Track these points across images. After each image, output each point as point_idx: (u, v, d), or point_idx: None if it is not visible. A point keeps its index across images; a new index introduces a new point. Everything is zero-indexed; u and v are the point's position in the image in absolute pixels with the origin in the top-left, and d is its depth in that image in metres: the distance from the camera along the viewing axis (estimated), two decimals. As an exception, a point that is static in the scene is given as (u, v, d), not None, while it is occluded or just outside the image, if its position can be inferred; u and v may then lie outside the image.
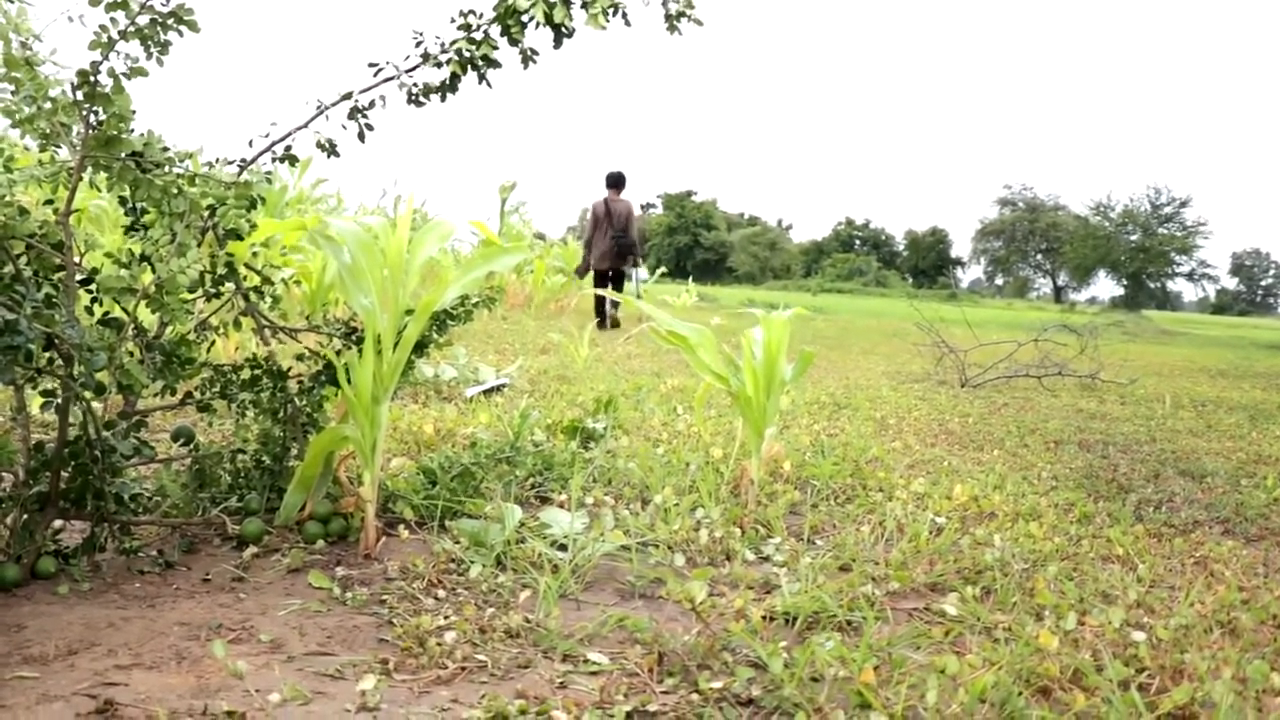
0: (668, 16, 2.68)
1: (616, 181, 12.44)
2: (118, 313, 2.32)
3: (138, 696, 1.62)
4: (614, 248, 12.20)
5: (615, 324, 11.72)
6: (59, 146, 2.23)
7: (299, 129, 2.59)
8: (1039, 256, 78.50)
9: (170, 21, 2.16)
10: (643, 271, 13.39)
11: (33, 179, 2.21)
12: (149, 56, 2.17)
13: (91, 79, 2.10)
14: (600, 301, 12.14)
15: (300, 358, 2.81)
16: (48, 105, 2.17)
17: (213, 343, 2.65)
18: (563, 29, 2.62)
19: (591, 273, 12.57)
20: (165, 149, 2.25)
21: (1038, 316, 24.63)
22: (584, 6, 2.61)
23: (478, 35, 2.64)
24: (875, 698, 1.69)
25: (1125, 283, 56.74)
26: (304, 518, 2.57)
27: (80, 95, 2.12)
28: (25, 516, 2.19)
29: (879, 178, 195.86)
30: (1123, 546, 2.85)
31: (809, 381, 7.16)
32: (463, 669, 1.83)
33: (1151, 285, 57.51)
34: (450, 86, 2.65)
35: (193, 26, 2.20)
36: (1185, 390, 8.62)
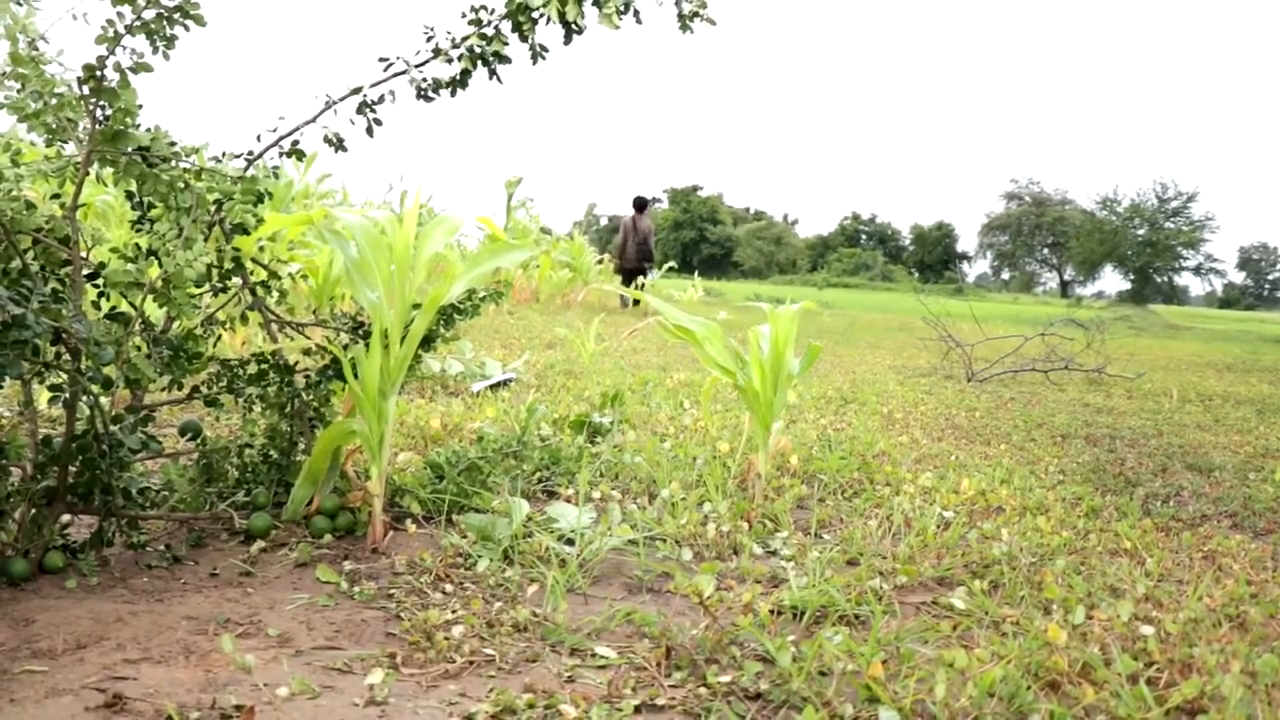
0: (680, 16, 2.67)
1: (641, 205, 16.86)
2: (124, 307, 2.32)
3: (146, 690, 1.63)
4: (638, 253, 16.61)
5: (636, 303, 15.56)
6: (65, 142, 2.23)
7: (307, 124, 2.58)
8: (1045, 251, 78.35)
9: (176, 16, 2.16)
10: (654, 273, 17.78)
11: (39, 174, 2.21)
12: (155, 51, 2.17)
13: (98, 74, 2.10)
14: (627, 287, 15.97)
15: (307, 352, 2.81)
16: (54, 101, 2.17)
17: (219, 337, 2.65)
18: (574, 26, 2.61)
19: (624, 269, 16.91)
20: (172, 144, 2.25)
21: (1044, 311, 24.60)
22: (596, 4, 2.60)
23: (489, 31, 2.63)
24: (883, 691, 1.69)
25: (1132, 277, 56.49)
26: (311, 512, 2.57)
27: (86, 90, 2.12)
28: (33, 511, 2.19)
29: (885, 172, 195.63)
30: (1131, 540, 2.84)
31: (815, 376, 7.15)
32: (470, 663, 1.83)
33: (1158, 280, 57.26)
34: (461, 82, 2.65)
35: (199, 21, 2.20)
36: (1192, 384, 8.60)
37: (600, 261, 18.29)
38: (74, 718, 1.53)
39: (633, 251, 16.71)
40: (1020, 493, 3.41)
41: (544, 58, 2.67)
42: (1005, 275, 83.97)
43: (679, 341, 3.09)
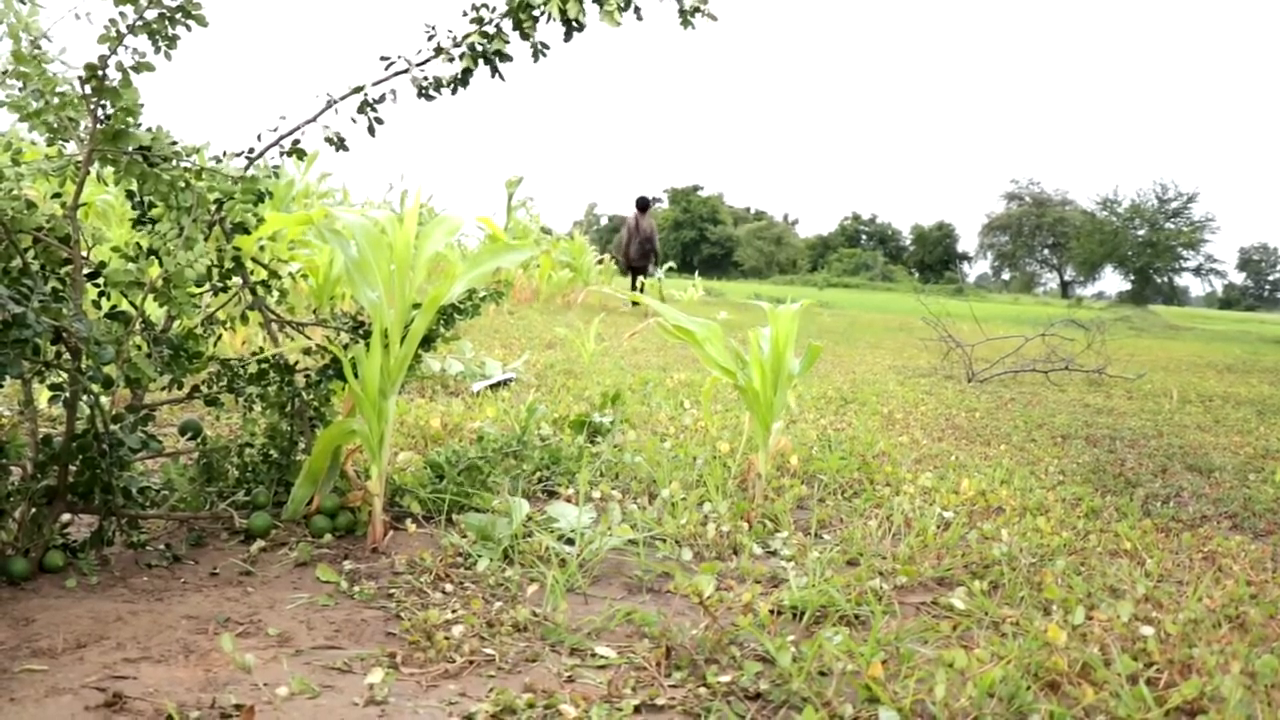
0: (681, 11, 2.67)
1: (644, 205, 17.43)
2: (125, 307, 2.32)
3: (146, 690, 1.63)
4: (640, 251, 17.16)
5: (635, 303, 16.31)
6: (66, 141, 2.23)
7: (307, 123, 2.58)
8: (1046, 251, 78.32)
9: (178, 16, 2.16)
10: (658, 271, 18.43)
11: (40, 173, 2.21)
12: (157, 51, 2.17)
13: (100, 73, 2.10)
14: (632, 286, 17.05)
15: (307, 352, 2.81)
16: (55, 100, 2.17)
17: (219, 337, 2.65)
18: (575, 23, 2.61)
19: (628, 267, 17.70)
20: (173, 143, 2.25)
21: (1044, 311, 24.60)
22: (597, 1, 2.60)
23: (490, 29, 2.63)
24: (883, 691, 1.69)
25: (1132, 278, 56.48)
26: (311, 512, 2.57)
27: (88, 89, 2.12)
28: (33, 510, 2.19)
29: (886, 172, 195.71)
30: (1131, 541, 2.84)
31: (815, 376, 7.16)
32: (470, 663, 1.83)
33: (1158, 280, 57.23)
34: (462, 80, 2.64)
35: (200, 21, 2.20)
36: (1192, 385, 8.59)
37: (600, 261, 18.38)
38: (74, 717, 1.53)
39: (636, 251, 17.25)
40: (1020, 493, 3.41)
41: (545, 55, 2.67)
42: (1005, 275, 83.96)
43: (679, 342, 3.09)
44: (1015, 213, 78.49)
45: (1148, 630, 2.01)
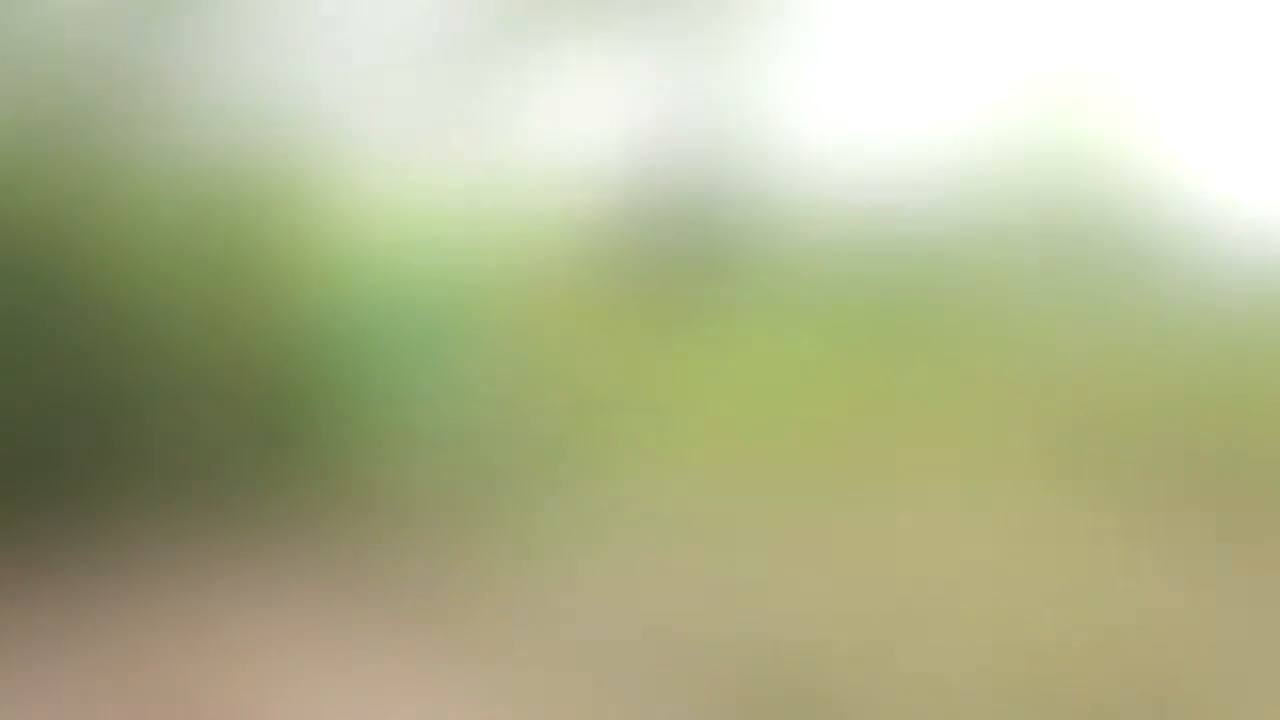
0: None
1: None
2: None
3: (143, 687, 1.62)
4: None
5: None
6: (65, 140, 2.22)
7: (302, 118, 2.58)
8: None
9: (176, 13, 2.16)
10: None
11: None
12: (155, 47, 2.17)
13: (99, 72, 2.09)
14: None
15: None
16: (54, 100, 2.17)
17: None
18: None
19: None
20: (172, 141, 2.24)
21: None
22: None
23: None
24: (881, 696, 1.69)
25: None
26: (312, 507, 2.56)
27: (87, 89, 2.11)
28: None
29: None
30: (1131, 537, 2.83)
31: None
32: (471, 660, 1.82)
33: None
34: (451, 74, 2.64)
35: (201, 17, 2.19)
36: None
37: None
38: (68, 713, 1.52)
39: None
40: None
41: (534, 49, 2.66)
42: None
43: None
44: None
45: (1146, 629, 2.00)
